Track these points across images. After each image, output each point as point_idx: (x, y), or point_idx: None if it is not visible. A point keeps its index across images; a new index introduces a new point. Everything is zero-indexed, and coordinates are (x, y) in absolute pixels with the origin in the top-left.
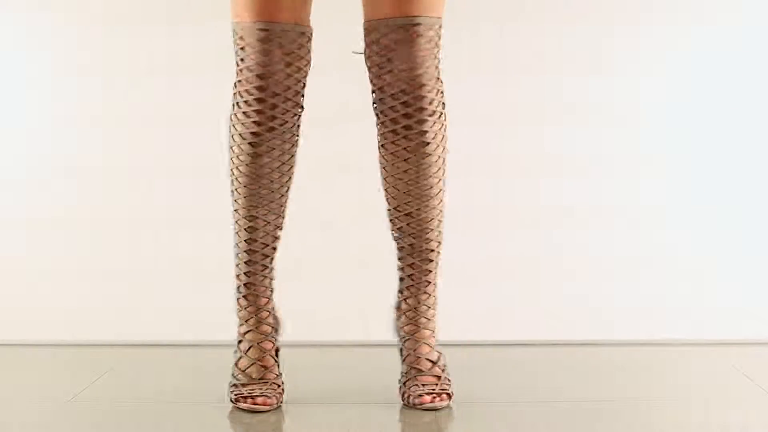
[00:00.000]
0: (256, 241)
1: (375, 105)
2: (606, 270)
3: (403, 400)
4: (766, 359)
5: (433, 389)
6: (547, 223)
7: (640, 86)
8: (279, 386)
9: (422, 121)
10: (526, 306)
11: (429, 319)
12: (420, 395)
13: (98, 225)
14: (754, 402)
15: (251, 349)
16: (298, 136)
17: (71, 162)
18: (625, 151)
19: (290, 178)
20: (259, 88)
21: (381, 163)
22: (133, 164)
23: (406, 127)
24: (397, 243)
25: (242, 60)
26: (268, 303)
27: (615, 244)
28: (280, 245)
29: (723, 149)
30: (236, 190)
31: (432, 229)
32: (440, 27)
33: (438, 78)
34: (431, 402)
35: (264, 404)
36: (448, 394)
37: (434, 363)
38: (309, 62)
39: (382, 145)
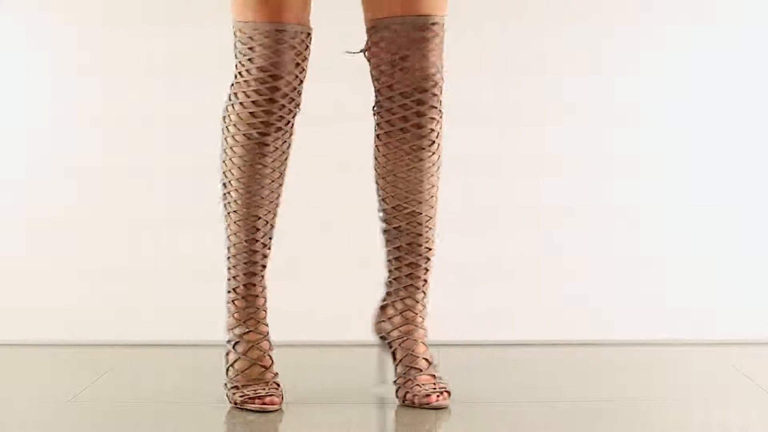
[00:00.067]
0: (257, 241)
1: (380, 103)
2: (606, 270)
3: (403, 400)
4: (766, 359)
5: (435, 388)
6: (547, 223)
7: (640, 86)
8: (279, 386)
9: (431, 120)
10: (526, 306)
11: (424, 319)
12: (427, 395)
13: (98, 225)
14: (754, 402)
15: (251, 350)
16: (293, 134)
17: (71, 162)
18: (625, 151)
19: (285, 176)
20: (272, 89)
21: (381, 162)
22: (133, 164)
23: (416, 126)
24: (392, 243)
25: (250, 60)
26: (265, 303)
27: (615, 244)
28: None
29: (723, 149)
30: (236, 191)
31: (430, 228)
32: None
33: (443, 77)
34: (437, 401)
35: (273, 404)
36: (448, 392)
37: (430, 362)
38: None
39: (384, 144)
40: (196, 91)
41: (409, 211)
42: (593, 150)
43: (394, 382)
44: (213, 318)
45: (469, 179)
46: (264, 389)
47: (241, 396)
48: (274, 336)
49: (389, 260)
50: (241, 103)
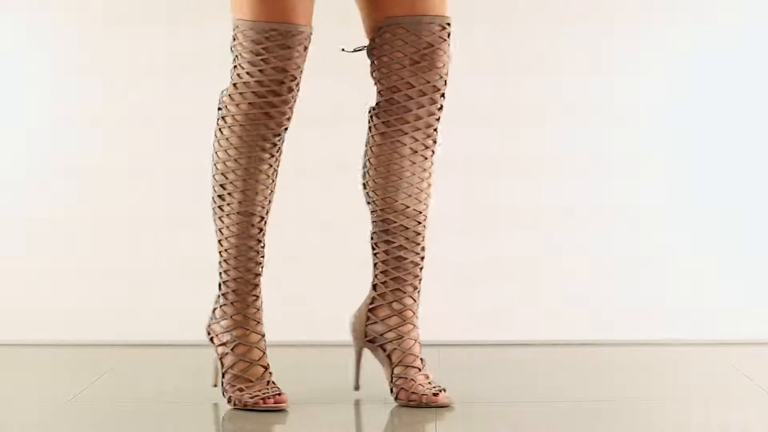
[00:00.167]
0: (260, 242)
1: (388, 102)
2: (606, 270)
3: (408, 400)
4: (766, 359)
5: (436, 387)
6: (547, 223)
7: (640, 86)
8: (276, 384)
9: (437, 120)
10: (526, 306)
11: (418, 318)
12: (435, 393)
13: (98, 225)
14: (754, 402)
15: (250, 351)
16: None
17: (71, 162)
18: (625, 151)
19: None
20: (288, 89)
21: (383, 161)
22: (133, 164)
23: (426, 125)
24: (390, 243)
25: (264, 61)
26: (261, 303)
27: (615, 244)
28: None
29: (723, 149)
30: (239, 192)
31: (425, 226)
32: None
33: None
34: (445, 399)
35: (284, 402)
36: (444, 390)
37: (423, 362)
38: None
39: (389, 143)
40: (196, 91)
41: (411, 209)
42: (593, 150)
43: (392, 382)
44: None
45: (470, 179)
46: (270, 389)
47: (251, 397)
48: (275, 336)
49: (385, 260)
50: (250, 104)
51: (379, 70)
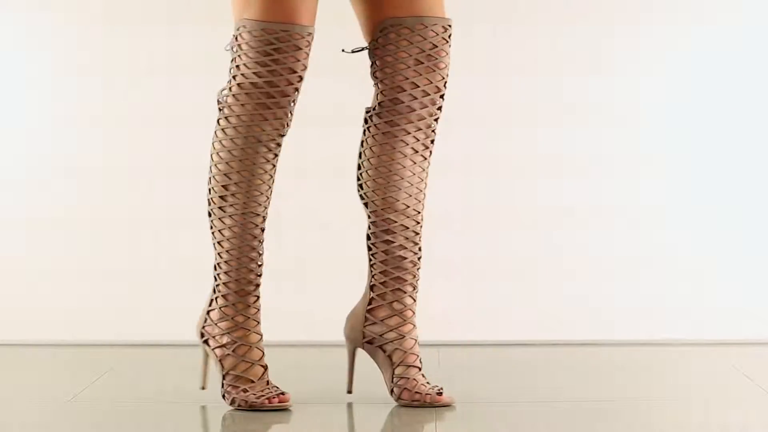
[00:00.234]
0: (261, 242)
1: (388, 101)
2: (606, 270)
3: (412, 400)
4: (766, 359)
5: (436, 386)
6: (547, 223)
7: (640, 86)
8: (273, 383)
9: (437, 120)
10: (527, 306)
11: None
12: (439, 393)
13: (98, 225)
14: (754, 402)
15: (251, 351)
16: None
17: (71, 162)
18: (625, 151)
19: None
20: (296, 89)
21: (384, 161)
22: (133, 164)
23: (427, 125)
24: (389, 243)
25: (273, 61)
26: (260, 304)
27: (615, 244)
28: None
29: (723, 149)
30: (243, 192)
31: (422, 226)
32: None
33: None
34: (448, 398)
35: (288, 400)
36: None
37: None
38: None
39: (391, 142)
40: (196, 91)
41: (411, 209)
42: (593, 150)
43: (393, 383)
44: None
45: (470, 180)
46: (272, 389)
47: (257, 397)
48: (275, 336)
49: (384, 260)
50: (257, 103)
51: (383, 70)
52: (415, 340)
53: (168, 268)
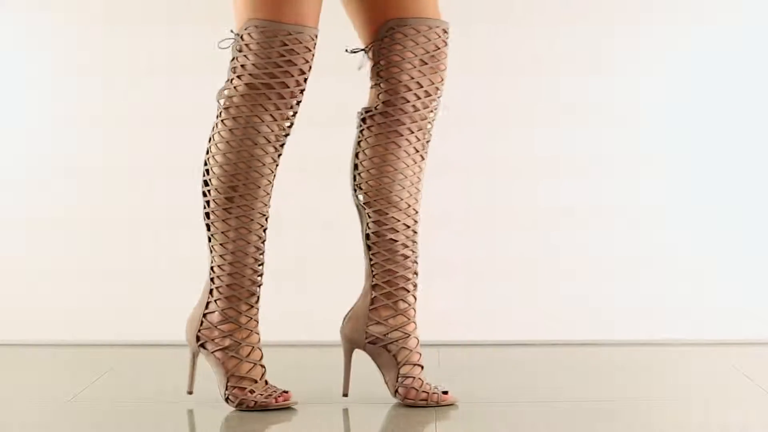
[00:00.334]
0: (265, 242)
1: (391, 100)
2: (606, 270)
3: (418, 400)
4: (766, 359)
5: (437, 386)
6: (547, 223)
7: (640, 86)
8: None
9: (433, 120)
10: (527, 306)
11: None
12: (444, 392)
13: (98, 225)
14: (754, 402)
15: (253, 352)
16: None
17: (71, 162)
18: (625, 151)
19: None
20: (302, 91)
21: (388, 161)
22: (133, 164)
23: (427, 125)
24: (390, 243)
25: (283, 61)
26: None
27: (615, 244)
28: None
29: (723, 149)
30: (250, 193)
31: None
32: None
33: None
34: (451, 398)
35: (290, 398)
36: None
37: None
38: None
39: (392, 142)
40: (196, 91)
41: (412, 208)
42: (593, 150)
43: (398, 382)
44: None
45: (469, 180)
46: (272, 388)
47: (265, 398)
48: (275, 336)
49: (386, 259)
50: (264, 103)
51: (388, 69)
52: (418, 339)
53: (168, 268)
